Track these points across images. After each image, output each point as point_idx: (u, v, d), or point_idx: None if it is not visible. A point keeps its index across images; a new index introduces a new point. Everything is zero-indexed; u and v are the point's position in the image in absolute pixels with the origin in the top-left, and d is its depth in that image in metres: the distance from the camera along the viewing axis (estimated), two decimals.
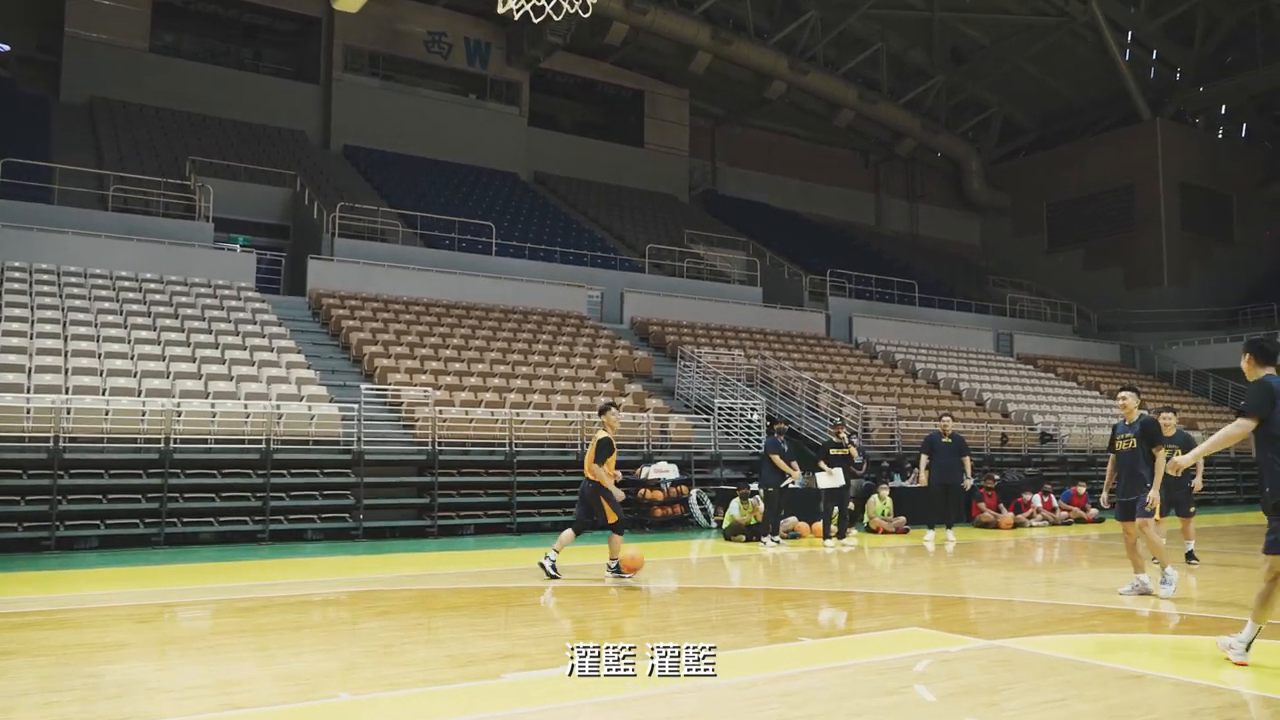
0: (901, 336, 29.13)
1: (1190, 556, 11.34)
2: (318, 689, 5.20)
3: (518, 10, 13.24)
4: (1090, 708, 4.80)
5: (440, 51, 32.69)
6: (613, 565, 9.58)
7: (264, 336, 17.83)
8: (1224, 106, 41.87)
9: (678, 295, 26.35)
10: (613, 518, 9.54)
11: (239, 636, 6.67)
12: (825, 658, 5.92)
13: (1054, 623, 7.10)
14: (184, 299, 18.58)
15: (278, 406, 14.50)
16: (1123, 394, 9.28)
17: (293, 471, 14.14)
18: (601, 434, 9.79)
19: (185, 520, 13.23)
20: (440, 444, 15.34)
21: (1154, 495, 8.64)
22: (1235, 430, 5.90)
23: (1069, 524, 17.73)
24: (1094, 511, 18.18)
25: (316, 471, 14.37)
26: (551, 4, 13.28)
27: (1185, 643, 6.39)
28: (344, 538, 14.09)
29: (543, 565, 9.46)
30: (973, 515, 17.04)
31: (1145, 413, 9.16)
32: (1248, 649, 5.61)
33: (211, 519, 13.44)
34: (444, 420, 15.59)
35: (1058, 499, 18.42)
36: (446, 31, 32.65)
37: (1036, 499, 17.90)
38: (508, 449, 15.78)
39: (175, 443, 13.35)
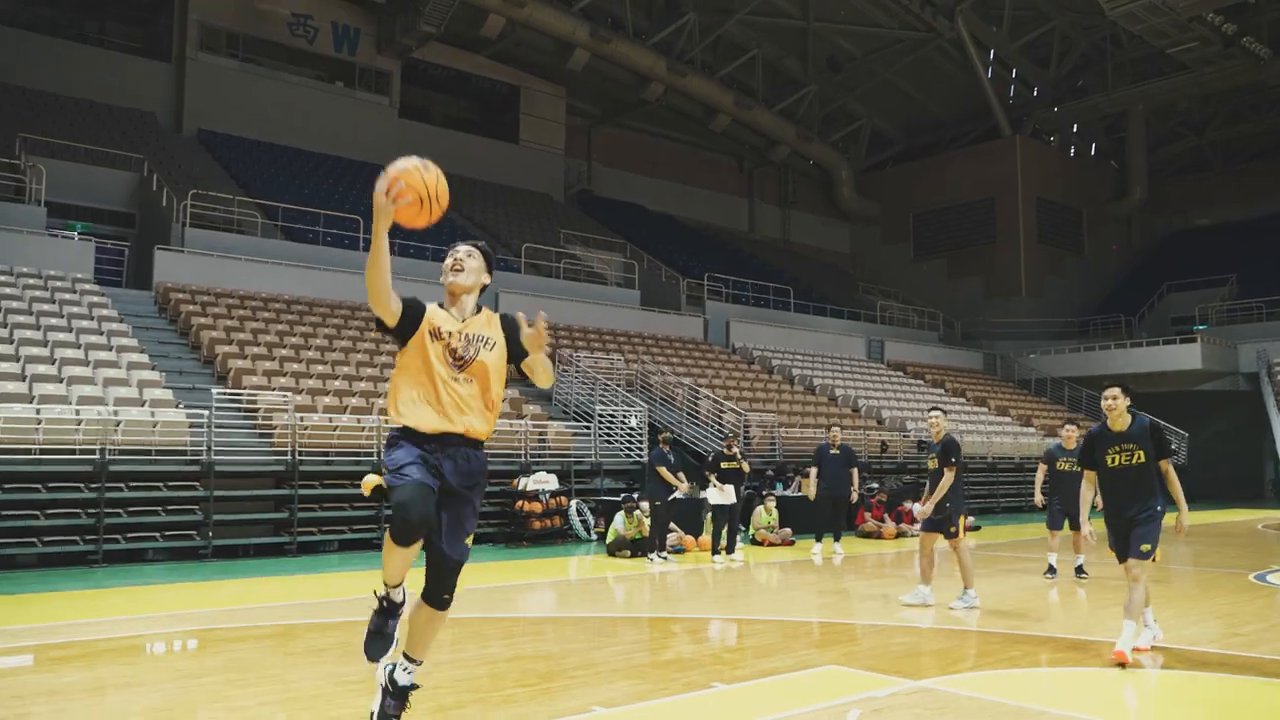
0: (777, 342, 29.11)
1: (1080, 570, 11.32)
2: None
3: None
4: None
5: (306, 35, 30.96)
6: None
7: (101, 334, 16.19)
8: (1075, 126, 43.88)
9: (554, 297, 25.52)
10: None
11: (36, 703, 5.57)
12: (746, 710, 5.29)
13: (976, 656, 6.68)
14: (9, 290, 16.71)
15: (115, 412, 13.05)
16: (932, 414, 9.30)
17: (131, 485, 12.75)
18: None
19: (2, 542, 11.71)
20: (300, 453, 14.14)
21: (926, 509, 8.91)
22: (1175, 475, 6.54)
23: None
24: (971, 519, 18.34)
25: (160, 485, 13.01)
26: None
27: (1136, 679, 6.03)
28: (191, 557, 12.79)
29: None
30: (857, 524, 16.90)
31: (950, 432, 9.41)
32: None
33: (35, 539, 11.95)
34: (305, 427, 14.40)
35: None
36: (313, 14, 30.93)
37: (917, 507, 17.89)
38: (375, 458, 14.70)
39: None
